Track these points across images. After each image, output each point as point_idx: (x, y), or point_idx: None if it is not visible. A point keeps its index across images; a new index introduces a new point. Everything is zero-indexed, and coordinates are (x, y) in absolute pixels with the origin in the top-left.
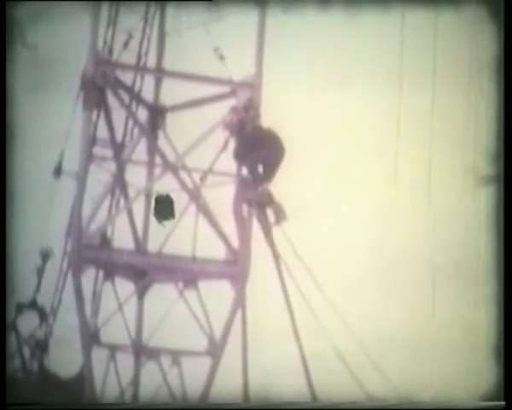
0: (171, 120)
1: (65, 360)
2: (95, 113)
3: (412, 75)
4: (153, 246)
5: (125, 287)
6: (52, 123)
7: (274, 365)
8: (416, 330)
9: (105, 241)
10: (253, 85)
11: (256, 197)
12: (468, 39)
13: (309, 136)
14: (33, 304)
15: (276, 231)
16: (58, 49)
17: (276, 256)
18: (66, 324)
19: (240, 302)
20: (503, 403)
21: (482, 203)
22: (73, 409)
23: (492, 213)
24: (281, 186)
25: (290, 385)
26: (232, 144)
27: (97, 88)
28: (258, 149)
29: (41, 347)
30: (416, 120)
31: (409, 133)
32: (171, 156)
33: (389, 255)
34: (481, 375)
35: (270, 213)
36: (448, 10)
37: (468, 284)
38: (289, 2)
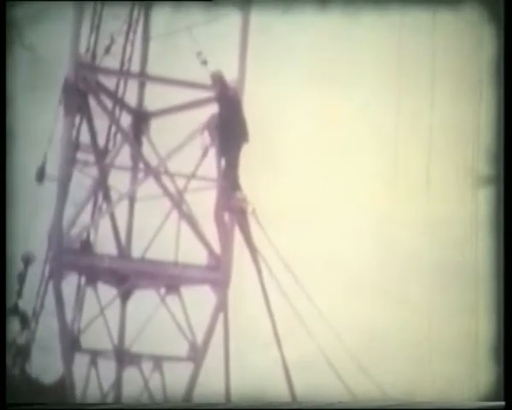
0: (154, 125)
1: (47, 366)
2: (78, 117)
3: (411, 75)
4: (135, 251)
5: (108, 292)
6: (40, 125)
7: (256, 369)
8: (415, 330)
9: (87, 246)
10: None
11: (236, 203)
12: (468, 40)
13: (296, 139)
14: (15, 310)
15: (258, 236)
16: (55, 49)
17: (258, 261)
18: (49, 329)
19: (221, 308)
20: (502, 403)
21: (482, 204)
22: (74, 409)
23: (492, 213)
24: (266, 190)
25: (272, 389)
26: (213, 151)
27: (79, 92)
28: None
29: (23, 352)
30: (415, 120)
31: (408, 134)
32: (154, 162)
33: (387, 257)
34: (481, 375)
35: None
36: (447, 11)
37: (468, 285)
38: (288, 3)
